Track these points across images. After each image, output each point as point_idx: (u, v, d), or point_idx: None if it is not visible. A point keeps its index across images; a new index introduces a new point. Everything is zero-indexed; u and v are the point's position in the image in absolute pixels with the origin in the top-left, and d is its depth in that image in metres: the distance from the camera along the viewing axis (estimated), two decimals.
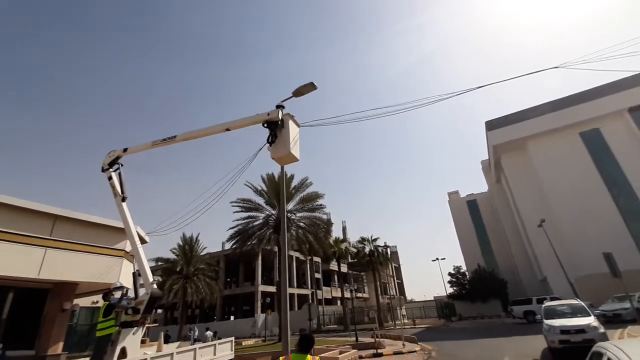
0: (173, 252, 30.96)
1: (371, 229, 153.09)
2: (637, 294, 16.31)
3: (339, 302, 46.72)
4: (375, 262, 36.70)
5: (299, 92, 9.47)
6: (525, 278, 40.61)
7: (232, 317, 46.60)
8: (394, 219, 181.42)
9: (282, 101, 8.03)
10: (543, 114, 33.34)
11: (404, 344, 15.53)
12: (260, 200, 26.23)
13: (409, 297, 72.91)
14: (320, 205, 26.77)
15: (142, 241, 13.24)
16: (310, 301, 39.76)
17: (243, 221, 25.73)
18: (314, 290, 45.92)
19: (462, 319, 35.08)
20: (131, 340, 7.15)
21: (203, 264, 31.50)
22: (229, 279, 46.71)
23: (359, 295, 53.64)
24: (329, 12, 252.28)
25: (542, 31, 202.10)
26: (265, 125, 6.94)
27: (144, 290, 8.34)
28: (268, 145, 6.95)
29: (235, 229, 25.63)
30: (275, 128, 6.79)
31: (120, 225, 12.37)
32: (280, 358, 3.46)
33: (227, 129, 7.96)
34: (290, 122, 6.92)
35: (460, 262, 57.61)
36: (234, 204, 25.74)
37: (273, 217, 25.62)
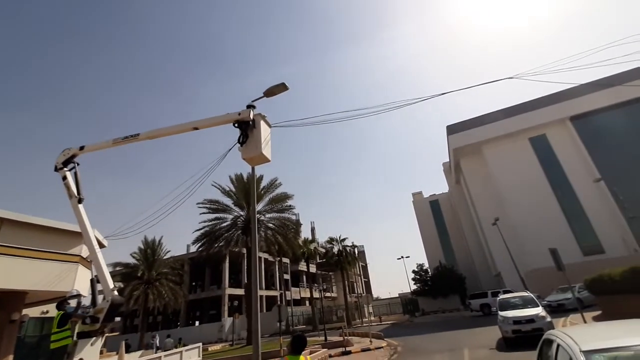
0: (133, 257, 29.33)
1: (339, 229, 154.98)
2: (578, 285, 18.04)
3: (307, 302, 46.83)
4: (344, 261, 37.27)
5: (270, 92, 9.44)
6: (482, 273, 43.33)
7: (197, 323, 44.99)
8: (361, 219, 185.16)
9: (253, 101, 7.96)
10: (497, 120, 35.83)
11: (371, 341, 15.98)
12: (228, 201, 25.67)
13: (375, 295, 74.82)
14: (290, 206, 26.74)
15: (100, 245, 12.44)
16: (279, 302, 39.47)
17: (210, 223, 25.01)
18: (282, 291, 45.63)
19: (425, 314, 36.67)
20: (89, 351, 6.69)
21: (166, 268, 30.16)
22: (194, 283, 45.08)
23: (328, 294, 54.12)
24: (309, 23, 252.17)
25: (505, 40, 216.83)
26: (236, 125, 6.84)
27: (102, 297, 7.86)
28: (239, 145, 6.86)
29: (202, 231, 24.84)
30: (247, 128, 6.72)
31: (75, 228, 11.54)
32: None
33: (195, 128, 7.72)
34: (262, 123, 6.88)
35: (424, 260, 60.24)
36: (201, 205, 24.94)
37: (242, 218, 25.16)
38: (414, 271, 43.02)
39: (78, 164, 8.88)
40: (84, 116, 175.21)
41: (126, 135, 8.38)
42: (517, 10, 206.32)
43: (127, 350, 16.36)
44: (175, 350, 8.79)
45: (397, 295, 54.83)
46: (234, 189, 25.62)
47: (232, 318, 30.14)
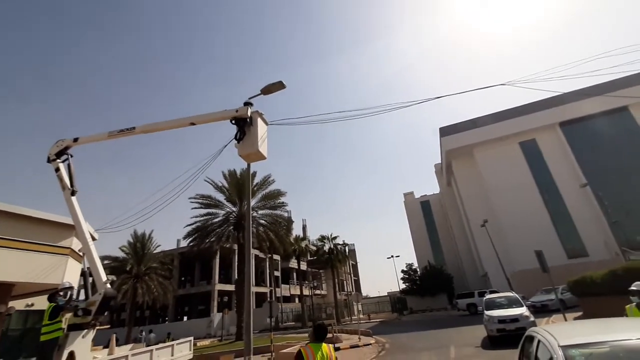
0: (122, 250, 29.00)
1: (331, 227, 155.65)
2: (561, 286, 18.58)
3: (297, 299, 47.01)
4: (334, 260, 37.50)
5: (267, 90, 9.50)
6: (469, 273, 44.13)
7: (185, 318, 44.77)
8: (353, 218, 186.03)
9: (250, 98, 8.02)
10: (489, 124, 36.41)
11: (359, 338, 16.23)
12: (221, 197, 25.59)
13: (365, 293, 75.48)
14: (282, 203, 26.79)
15: (92, 238, 12.36)
16: (269, 299, 39.55)
17: (202, 218, 24.91)
18: (272, 288, 45.70)
19: (413, 313, 37.21)
20: (81, 344, 6.70)
21: (156, 263, 29.89)
22: (183, 278, 44.80)
23: (318, 292, 54.38)
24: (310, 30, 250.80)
25: (498, 45, 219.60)
26: (233, 122, 6.89)
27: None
28: (235, 142, 6.92)
29: (193, 226, 24.74)
30: (244, 125, 6.77)
31: (66, 220, 11.42)
32: (300, 348, 3.55)
33: (192, 123, 7.75)
34: (259, 120, 6.94)
35: (414, 260, 60.98)
36: (193, 200, 24.80)
37: (234, 214, 25.12)
38: (403, 271, 43.59)
39: (72, 156, 8.81)
40: (79, 107, 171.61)
41: (122, 128, 8.36)
42: (512, 17, 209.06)
43: (116, 344, 16.28)
44: (166, 344, 8.82)
45: (387, 294, 55.48)
46: (226, 185, 25.54)
47: (221, 314, 30.10)
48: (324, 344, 3.54)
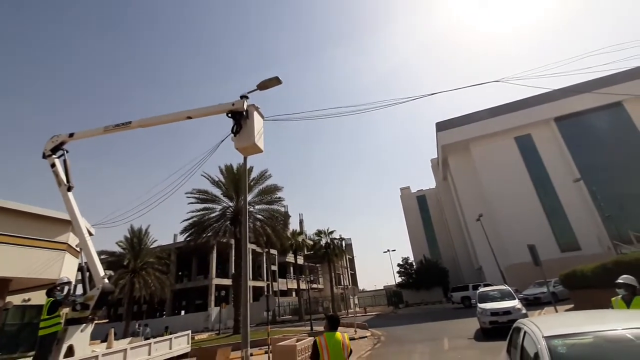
0: (119, 245, 29.02)
1: (328, 221, 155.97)
2: (553, 279, 18.91)
3: (294, 293, 47.33)
4: (331, 254, 37.77)
5: (264, 86, 9.47)
6: (464, 267, 44.62)
7: (183, 312, 45.00)
8: (350, 213, 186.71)
9: (247, 93, 8.03)
10: (485, 119, 36.53)
11: (355, 331, 16.47)
12: (217, 192, 25.58)
13: (361, 287, 76.04)
14: (279, 198, 26.84)
15: (88, 233, 12.38)
16: (266, 293, 39.82)
17: (198, 213, 24.91)
18: (269, 282, 45.98)
19: (409, 306, 37.67)
20: (79, 338, 6.81)
21: (153, 258, 29.94)
22: (180, 273, 44.89)
23: (314, 286, 54.77)
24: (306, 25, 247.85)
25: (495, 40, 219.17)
26: (230, 115, 6.92)
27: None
28: (232, 135, 6.94)
29: (190, 221, 24.74)
30: (240, 118, 6.81)
31: (62, 216, 11.42)
32: (316, 338, 3.80)
33: (189, 117, 7.76)
34: (255, 114, 6.97)
35: (409, 253, 61.47)
36: (189, 195, 24.78)
37: (231, 209, 25.14)
38: (399, 264, 43.97)
39: (67, 152, 8.81)
40: (76, 102, 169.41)
41: (117, 123, 8.35)
42: (509, 16, 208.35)
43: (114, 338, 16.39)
44: (164, 337, 8.92)
45: (383, 288, 56.01)
46: (223, 180, 25.51)
47: (218, 308, 30.31)
48: (337, 333, 3.78)
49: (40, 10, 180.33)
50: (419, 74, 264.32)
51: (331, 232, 39.00)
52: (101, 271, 7.47)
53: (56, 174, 8.36)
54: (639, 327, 2.67)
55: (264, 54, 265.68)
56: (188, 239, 25.26)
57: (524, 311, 11.22)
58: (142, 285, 27.59)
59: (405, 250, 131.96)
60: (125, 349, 7.17)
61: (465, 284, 29.04)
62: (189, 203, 24.93)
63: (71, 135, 8.55)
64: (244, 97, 7.16)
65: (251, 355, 13.82)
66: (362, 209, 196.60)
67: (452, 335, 12.65)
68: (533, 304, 19.15)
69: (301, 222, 61.99)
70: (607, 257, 14.34)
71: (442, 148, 39.91)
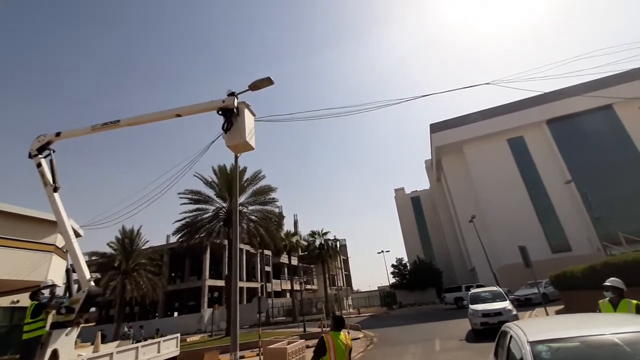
0: (110, 246, 28.61)
1: (323, 223, 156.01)
2: (544, 280, 19.09)
3: (288, 294, 47.19)
4: (325, 255, 37.70)
5: (255, 86, 9.42)
6: (458, 268, 44.89)
7: (176, 314, 44.55)
8: (345, 214, 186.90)
9: (238, 93, 7.94)
10: (478, 121, 36.82)
11: (348, 332, 16.38)
12: (211, 192, 25.39)
13: (355, 288, 76.13)
14: (273, 198, 26.70)
15: (76, 235, 12.15)
16: (260, 294, 39.63)
17: (191, 213, 24.70)
18: (263, 283, 45.77)
19: (402, 307, 37.72)
20: (64, 342, 6.65)
21: (145, 259, 29.57)
22: (173, 274, 44.47)
23: (308, 287, 54.70)
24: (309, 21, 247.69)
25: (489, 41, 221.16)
26: (220, 112, 6.83)
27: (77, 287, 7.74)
28: (223, 133, 6.86)
29: (183, 222, 24.52)
30: (231, 116, 6.72)
31: (50, 217, 11.21)
32: (323, 335, 4.06)
33: (178, 115, 7.64)
34: (246, 111, 6.89)
35: (404, 254, 61.60)
36: (182, 196, 24.56)
37: (224, 209, 24.97)
38: (393, 265, 44.01)
39: (54, 151, 8.62)
40: (64, 100, 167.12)
41: (106, 121, 8.19)
42: (504, 18, 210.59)
43: (103, 341, 16.16)
44: (152, 340, 8.78)
45: (377, 289, 56.11)
46: (216, 180, 25.34)
47: (211, 309, 30.06)
48: (341, 332, 4.10)
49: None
50: (415, 75, 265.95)
51: (325, 233, 38.95)
52: (87, 273, 7.31)
53: (42, 174, 8.18)
54: (625, 332, 2.67)
55: (259, 55, 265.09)
56: (181, 239, 25.03)
57: (514, 312, 11.29)
58: (133, 287, 27.24)
59: (399, 251, 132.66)
60: (112, 353, 7.03)
61: (458, 285, 29.18)
62: (182, 204, 24.72)
63: (58, 134, 8.37)
64: (232, 94, 7.06)
65: (243, 357, 13.76)
66: (358, 210, 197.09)
67: (444, 336, 12.68)
68: (524, 305, 19.29)
69: (296, 223, 61.90)
70: (597, 258, 14.51)
71: (436, 149, 40.14)
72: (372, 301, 44.11)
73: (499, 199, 33.25)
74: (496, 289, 13.64)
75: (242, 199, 25.80)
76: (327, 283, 39.27)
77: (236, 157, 10.18)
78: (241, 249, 39.60)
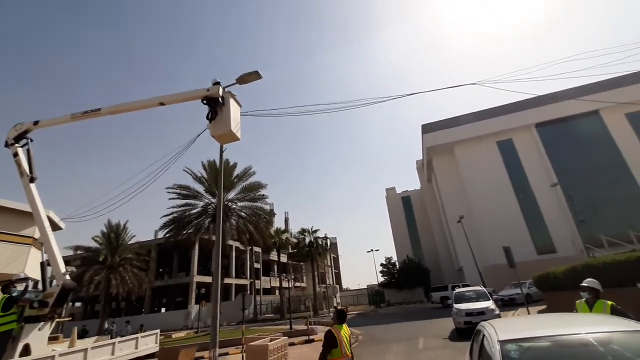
0: (95, 240, 28.08)
1: (314, 221, 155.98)
2: (528, 281, 19.39)
3: (277, 291, 47.12)
4: (314, 252, 37.70)
5: (242, 80, 9.26)
6: (446, 267, 45.32)
7: (163, 309, 44.11)
8: (337, 212, 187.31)
9: (226, 87, 7.79)
10: (469, 122, 37.13)
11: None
12: (200, 188, 25.16)
13: (345, 286, 76.51)
14: (263, 195, 26.61)
15: (56, 227, 11.86)
16: (249, 291, 39.46)
17: (179, 209, 24.46)
18: (252, 280, 45.59)
19: (390, 305, 38.00)
20: (36, 336, 6.47)
21: (131, 254, 29.12)
22: (161, 270, 43.97)
23: (298, 284, 54.66)
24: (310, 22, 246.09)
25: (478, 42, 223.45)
26: (205, 102, 6.69)
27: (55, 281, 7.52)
28: (208, 122, 6.72)
29: (170, 217, 24.27)
30: (216, 105, 6.58)
31: (29, 209, 10.91)
32: (330, 328, 4.32)
33: (162, 103, 7.47)
34: (232, 101, 6.75)
35: (393, 253, 62.06)
36: (170, 191, 24.28)
37: (212, 205, 24.77)
38: (382, 264, 44.31)
39: (31, 140, 8.38)
40: (49, 87, 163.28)
41: (86, 109, 7.96)
42: (504, 18, 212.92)
43: (85, 336, 15.85)
44: (130, 336, 8.60)
45: (366, 287, 56.39)
46: (206, 176, 25.08)
47: (198, 305, 29.79)
48: (344, 325, 4.41)
49: None
50: (409, 78, 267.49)
51: (315, 231, 38.95)
52: (62, 267, 7.12)
53: (19, 164, 7.94)
54: (596, 332, 2.67)
55: (254, 57, 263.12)
56: (168, 235, 24.73)
57: (497, 312, 11.42)
58: (118, 282, 26.79)
59: (389, 250, 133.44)
60: (86, 349, 6.85)
61: (445, 285, 29.49)
62: (170, 199, 24.43)
63: (36, 123, 8.12)
64: (217, 83, 6.90)
65: (227, 354, 13.64)
66: (349, 209, 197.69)
67: (428, 334, 12.76)
68: (508, 304, 19.58)
69: (287, 220, 61.84)
70: (579, 260, 14.78)
71: (427, 150, 40.36)
72: (360, 299, 44.34)
73: (487, 200, 33.65)
74: (480, 288, 13.78)
75: (231, 195, 25.61)
76: (316, 281, 39.28)
77: (221, 148, 10.03)
78: (230, 246, 39.32)
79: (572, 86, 30.49)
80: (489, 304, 11.80)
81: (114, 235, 27.96)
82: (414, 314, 23.46)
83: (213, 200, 25.01)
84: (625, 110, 31.23)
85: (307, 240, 38.45)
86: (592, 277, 5.09)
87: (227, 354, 13.54)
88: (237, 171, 25.65)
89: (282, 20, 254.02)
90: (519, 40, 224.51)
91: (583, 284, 4.98)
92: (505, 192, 33.66)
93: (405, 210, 56.56)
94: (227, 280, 38.44)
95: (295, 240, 41.95)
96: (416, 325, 16.79)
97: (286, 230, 45.37)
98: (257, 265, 47.87)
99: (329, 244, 44.15)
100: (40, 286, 7.68)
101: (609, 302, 4.53)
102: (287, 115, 9.21)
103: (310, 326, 16.02)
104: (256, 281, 46.68)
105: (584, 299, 4.95)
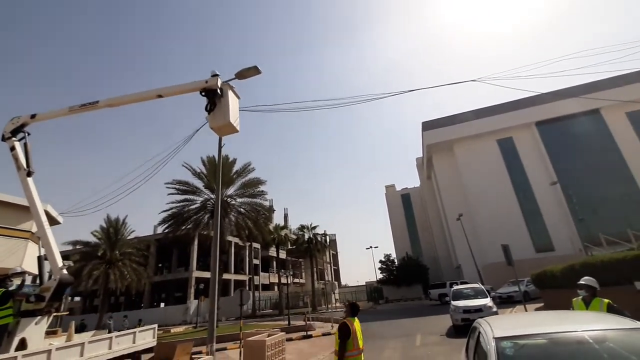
0: (94, 235, 28.09)
1: (314, 217, 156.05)
2: (526, 279, 19.44)
3: (276, 287, 47.29)
4: (313, 249, 37.75)
5: (241, 75, 9.24)
6: (444, 265, 45.49)
7: (162, 304, 44.27)
8: (337, 209, 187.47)
9: (225, 82, 7.72)
10: (469, 120, 37.04)
11: (332, 326, 16.49)
12: (199, 183, 25.13)
13: (344, 283, 76.70)
14: (262, 191, 26.58)
15: (54, 222, 11.85)
16: (248, 287, 39.56)
17: (178, 204, 24.44)
18: (251, 276, 45.71)
19: (388, 302, 38.13)
20: (33, 331, 6.46)
21: (130, 249, 29.14)
22: (160, 265, 44.06)
23: (296, 280, 54.83)
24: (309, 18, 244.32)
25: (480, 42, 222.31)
26: (203, 93, 6.63)
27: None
28: (207, 114, 6.66)
29: (170, 212, 24.26)
30: (214, 97, 6.52)
31: (27, 203, 10.90)
32: (344, 320, 4.50)
33: (160, 96, 7.37)
34: (230, 92, 6.68)
35: (392, 250, 62.22)
36: (169, 186, 24.26)
37: (211, 201, 24.76)
38: (381, 261, 44.42)
39: (29, 134, 8.32)
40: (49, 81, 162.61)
41: (84, 102, 7.87)
42: (503, 18, 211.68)
43: (83, 331, 15.90)
44: (127, 331, 8.62)
45: (365, 284, 56.56)
46: (205, 171, 25.04)
47: (197, 300, 29.90)
48: (356, 318, 4.63)
49: None
50: (409, 78, 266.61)
51: (314, 227, 38.97)
52: (59, 261, 7.10)
53: (16, 158, 7.88)
54: (592, 330, 2.67)
55: (253, 50, 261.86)
56: (167, 230, 24.75)
57: (495, 309, 11.44)
58: (117, 277, 26.84)
59: (388, 247, 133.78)
60: (83, 343, 6.86)
61: (443, 282, 29.56)
62: (169, 194, 24.42)
63: (33, 116, 8.05)
64: (215, 75, 6.84)
65: (225, 349, 13.70)
66: (349, 206, 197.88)
67: (426, 331, 12.80)
68: (506, 302, 19.63)
69: (286, 216, 61.92)
70: (578, 259, 14.79)
71: (427, 147, 40.31)
72: (359, 296, 44.46)
73: (486, 198, 33.64)
74: (478, 286, 13.81)
75: (230, 191, 25.61)
76: (315, 277, 39.37)
77: (220, 143, 9.96)
78: (229, 242, 39.38)
79: (573, 84, 30.44)
80: (487, 301, 11.82)
81: (113, 230, 27.96)
82: (413, 310, 23.54)
83: (212, 196, 24.99)
84: (626, 109, 31.14)
85: (306, 236, 38.50)
86: (590, 276, 5.06)
87: (225, 348, 13.60)
88: (236, 167, 25.62)
89: (281, 17, 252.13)
90: (519, 40, 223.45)
91: (580, 282, 4.96)
92: (504, 191, 33.66)
93: (405, 207, 56.64)
94: (226, 276, 38.57)
95: (294, 237, 42.01)
96: (414, 321, 16.83)
97: (285, 227, 45.38)
98: (256, 261, 47.96)
99: (328, 240, 44.23)
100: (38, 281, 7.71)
101: (606, 300, 4.52)
102: (286, 110, 9.16)
103: (308, 322, 16.07)
104: (255, 277, 46.80)
105: (580, 297, 4.93)
